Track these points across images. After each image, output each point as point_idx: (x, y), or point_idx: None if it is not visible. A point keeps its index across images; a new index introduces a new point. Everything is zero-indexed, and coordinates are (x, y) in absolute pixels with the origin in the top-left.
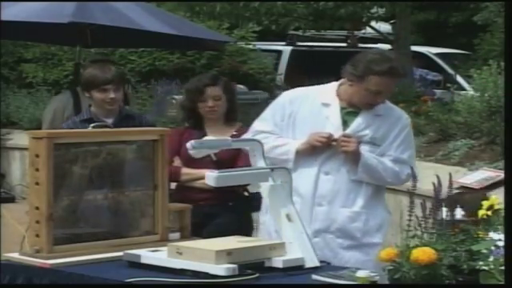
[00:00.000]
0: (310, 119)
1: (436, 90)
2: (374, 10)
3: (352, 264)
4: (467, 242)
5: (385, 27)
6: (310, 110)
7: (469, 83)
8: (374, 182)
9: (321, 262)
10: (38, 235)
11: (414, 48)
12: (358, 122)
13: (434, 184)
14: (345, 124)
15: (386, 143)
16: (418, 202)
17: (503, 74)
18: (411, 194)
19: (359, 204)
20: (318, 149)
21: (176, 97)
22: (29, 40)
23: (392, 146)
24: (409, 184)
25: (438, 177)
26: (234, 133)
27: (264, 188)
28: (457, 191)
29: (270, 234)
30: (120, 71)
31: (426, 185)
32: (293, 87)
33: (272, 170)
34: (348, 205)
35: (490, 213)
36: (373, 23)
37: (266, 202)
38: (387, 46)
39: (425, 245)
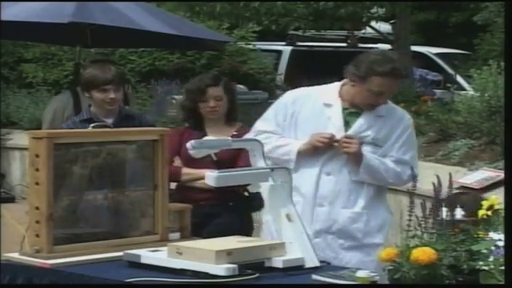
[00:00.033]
0: (311, 119)
1: (436, 90)
2: (374, 10)
3: (353, 265)
4: (467, 242)
5: (385, 27)
6: (312, 110)
7: (469, 83)
8: (376, 183)
9: (321, 262)
10: (38, 235)
11: (414, 48)
12: (359, 123)
13: (433, 184)
14: (347, 124)
15: (388, 144)
16: (418, 202)
17: (503, 73)
18: (411, 194)
19: (360, 205)
20: (320, 149)
21: (176, 97)
22: (29, 40)
23: (394, 147)
24: (409, 184)
25: (438, 177)
26: (235, 133)
27: (264, 188)
28: (457, 191)
29: (272, 233)
30: (120, 71)
31: (426, 185)
32: (293, 87)
33: (272, 170)
34: (349, 205)
35: (489, 213)
36: (373, 23)
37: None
38: (387, 46)
39: (425, 245)
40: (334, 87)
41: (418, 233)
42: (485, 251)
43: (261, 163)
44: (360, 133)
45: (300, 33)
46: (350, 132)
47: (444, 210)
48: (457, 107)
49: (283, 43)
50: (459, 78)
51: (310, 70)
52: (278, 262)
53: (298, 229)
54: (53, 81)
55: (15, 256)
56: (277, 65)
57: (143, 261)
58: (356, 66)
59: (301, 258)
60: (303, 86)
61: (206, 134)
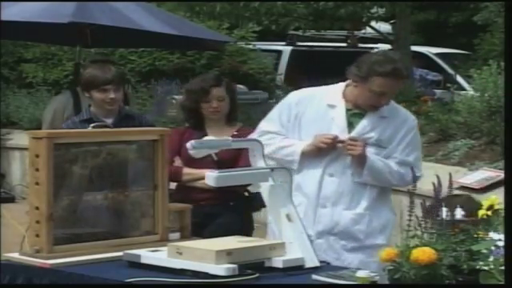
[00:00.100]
0: (315, 121)
1: (436, 90)
2: (374, 10)
3: (355, 266)
4: (467, 242)
5: (385, 27)
6: (315, 111)
7: (469, 83)
8: (379, 184)
9: (321, 262)
10: (38, 235)
11: (414, 48)
12: (363, 125)
13: (433, 184)
14: (350, 126)
15: (393, 145)
16: (418, 202)
17: (503, 73)
18: (411, 194)
19: (363, 206)
20: (323, 150)
21: (176, 97)
22: (29, 40)
23: (398, 148)
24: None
25: (438, 177)
26: (235, 133)
27: (264, 188)
28: (457, 192)
29: (274, 233)
30: (120, 71)
31: (426, 185)
32: (293, 87)
33: (272, 170)
34: (352, 207)
35: (489, 213)
36: (373, 23)
37: None
38: (387, 46)
39: (425, 245)
40: (339, 88)
41: (418, 233)
42: (485, 251)
43: (261, 163)
44: (363, 134)
45: (300, 33)
46: (354, 133)
47: (444, 210)
48: (457, 107)
49: (283, 43)
50: (459, 78)
51: (310, 69)
52: (277, 262)
53: (298, 229)
54: (53, 81)
55: (15, 256)
56: (277, 65)
57: (143, 261)
58: (358, 66)
59: (301, 258)
60: (303, 86)
61: (206, 134)
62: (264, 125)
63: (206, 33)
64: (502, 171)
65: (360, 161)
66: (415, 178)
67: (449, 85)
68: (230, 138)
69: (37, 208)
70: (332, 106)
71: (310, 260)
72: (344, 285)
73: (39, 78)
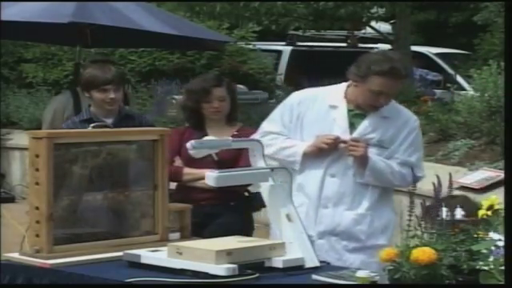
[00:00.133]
0: (317, 121)
1: (436, 90)
2: (374, 10)
3: (357, 266)
4: (467, 242)
5: (385, 27)
6: (317, 111)
7: (469, 83)
8: (381, 185)
9: (321, 262)
10: (38, 235)
11: (414, 48)
12: (364, 125)
13: (434, 184)
14: (352, 126)
15: (395, 145)
16: (418, 202)
17: (503, 73)
18: (411, 194)
19: (364, 206)
20: (325, 151)
21: (176, 97)
22: (29, 40)
23: (400, 149)
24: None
25: (438, 177)
26: (235, 133)
27: (264, 188)
28: (457, 192)
29: (277, 235)
30: (120, 71)
31: (426, 185)
32: (293, 87)
33: (272, 170)
34: (353, 207)
35: (489, 213)
36: (373, 23)
37: None
38: (387, 46)
39: (425, 245)
40: (340, 88)
41: (418, 233)
42: (485, 251)
43: (261, 163)
44: (365, 135)
45: (300, 33)
46: (355, 134)
47: (444, 209)
48: (457, 107)
49: (283, 43)
50: (459, 78)
51: (310, 70)
52: (277, 262)
53: (297, 229)
54: (53, 81)
55: (15, 256)
56: (277, 65)
57: (143, 261)
58: (357, 66)
59: (301, 258)
60: (303, 86)
61: (206, 134)
62: (266, 125)
63: (206, 33)
64: (502, 171)
65: (362, 161)
66: (416, 179)
67: (449, 85)
68: (230, 138)
69: (37, 208)
70: (334, 107)
71: (310, 260)
72: (344, 285)
73: (39, 78)
